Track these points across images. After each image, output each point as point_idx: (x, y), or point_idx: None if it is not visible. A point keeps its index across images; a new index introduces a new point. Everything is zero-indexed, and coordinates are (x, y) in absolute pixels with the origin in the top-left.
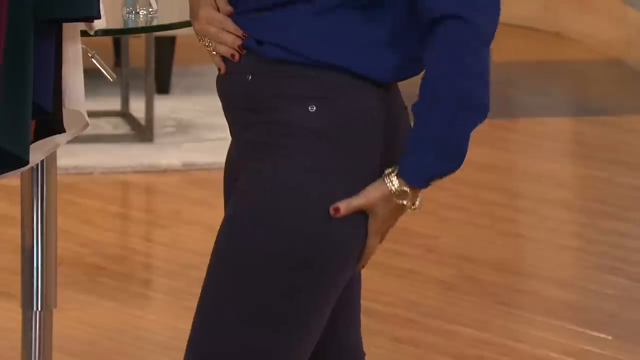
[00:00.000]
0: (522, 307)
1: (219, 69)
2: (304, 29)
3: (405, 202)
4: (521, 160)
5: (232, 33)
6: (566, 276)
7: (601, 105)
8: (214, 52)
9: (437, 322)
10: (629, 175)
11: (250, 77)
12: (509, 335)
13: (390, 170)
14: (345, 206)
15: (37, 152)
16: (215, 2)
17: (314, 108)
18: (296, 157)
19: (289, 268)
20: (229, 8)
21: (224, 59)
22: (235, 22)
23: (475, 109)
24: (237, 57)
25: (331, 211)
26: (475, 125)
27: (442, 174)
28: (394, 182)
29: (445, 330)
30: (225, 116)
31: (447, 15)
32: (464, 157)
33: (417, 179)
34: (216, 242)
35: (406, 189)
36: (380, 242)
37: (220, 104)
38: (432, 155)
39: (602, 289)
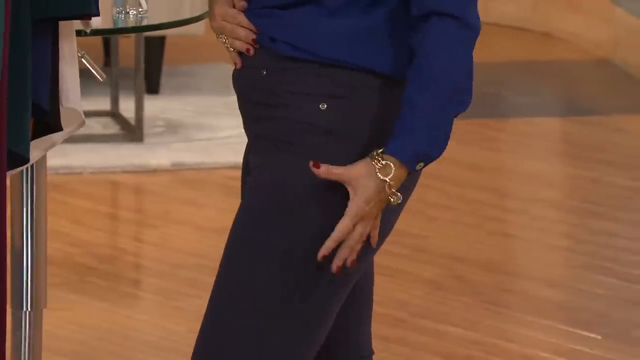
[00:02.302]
0: (512, 306)
1: (235, 64)
2: (315, 28)
3: (387, 179)
4: (510, 160)
5: (245, 28)
6: (555, 276)
7: (590, 105)
8: (231, 48)
9: (426, 322)
10: (618, 175)
11: (265, 72)
12: (499, 334)
13: (377, 149)
14: (325, 168)
15: (35, 150)
16: None
17: (325, 106)
18: (306, 154)
19: (297, 262)
20: (242, 3)
21: (240, 54)
22: (249, 18)
23: (462, 101)
24: (251, 51)
25: (311, 164)
26: (458, 114)
27: (427, 156)
28: (379, 158)
29: (434, 329)
30: (240, 110)
31: (440, 12)
32: (447, 144)
33: (405, 156)
34: (231, 233)
35: (391, 163)
36: (360, 235)
37: (210, 103)
38: (422, 136)
39: (591, 289)
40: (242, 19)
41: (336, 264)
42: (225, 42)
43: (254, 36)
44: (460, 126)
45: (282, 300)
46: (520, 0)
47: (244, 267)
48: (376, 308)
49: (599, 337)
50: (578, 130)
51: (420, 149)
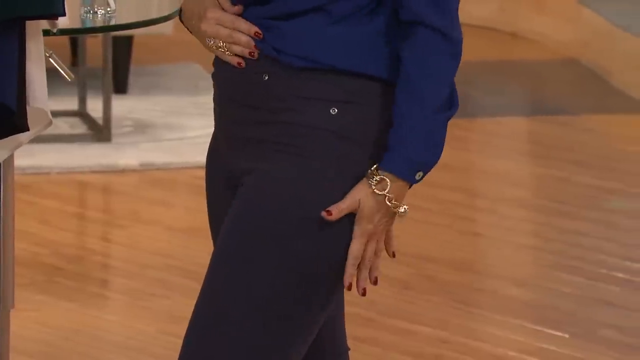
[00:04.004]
0: (481, 306)
1: (239, 64)
2: (322, 37)
3: (385, 193)
4: (479, 159)
5: (244, 33)
6: (524, 275)
7: (557, 105)
8: (227, 52)
9: (396, 321)
10: (586, 174)
11: (266, 77)
12: (468, 334)
13: (373, 166)
14: (336, 209)
15: (1, 150)
16: (220, 3)
17: (336, 111)
18: (317, 159)
19: (300, 267)
20: (236, 7)
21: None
22: None
23: (452, 105)
24: (256, 55)
25: (324, 214)
26: (449, 117)
27: (424, 165)
28: (373, 175)
29: (404, 329)
30: (222, 113)
31: (426, 25)
32: (442, 149)
33: (399, 168)
34: (223, 239)
35: (386, 178)
36: (375, 252)
37: (179, 102)
38: (415, 146)
39: (559, 288)
40: (241, 23)
41: (361, 286)
42: (220, 47)
43: (253, 44)
44: None
45: (276, 308)
46: (487, 0)
47: (242, 273)
48: (346, 308)
49: (567, 336)
50: (546, 130)
51: (416, 158)
